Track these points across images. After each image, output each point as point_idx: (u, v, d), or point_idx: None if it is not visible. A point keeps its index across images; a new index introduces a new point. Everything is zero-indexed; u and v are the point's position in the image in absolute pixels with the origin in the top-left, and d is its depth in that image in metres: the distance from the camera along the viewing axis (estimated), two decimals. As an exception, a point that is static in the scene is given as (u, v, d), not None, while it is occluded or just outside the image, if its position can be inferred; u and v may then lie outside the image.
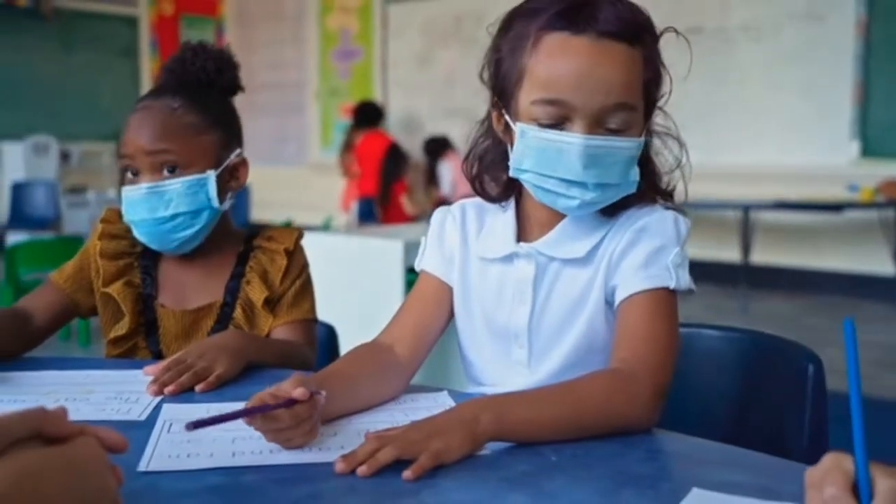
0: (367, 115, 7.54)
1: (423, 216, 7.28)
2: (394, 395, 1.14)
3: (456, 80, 7.79)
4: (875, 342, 4.85)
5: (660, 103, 1.17)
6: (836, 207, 5.14)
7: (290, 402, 0.91)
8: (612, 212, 1.15)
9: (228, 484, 0.84)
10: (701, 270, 5.95)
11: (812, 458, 1.10)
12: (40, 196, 7.39)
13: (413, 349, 1.20)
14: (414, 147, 7.68)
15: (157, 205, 1.36)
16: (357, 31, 9.13)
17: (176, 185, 1.37)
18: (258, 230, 1.52)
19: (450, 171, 7.21)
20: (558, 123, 1.08)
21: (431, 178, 7.37)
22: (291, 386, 0.94)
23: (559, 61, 1.07)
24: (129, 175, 1.40)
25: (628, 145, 1.09)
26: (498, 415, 0.93)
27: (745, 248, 5.21)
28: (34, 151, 8.07)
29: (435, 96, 8.17)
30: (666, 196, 1.19)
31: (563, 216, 1.16)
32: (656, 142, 1.18)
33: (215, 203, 1.40)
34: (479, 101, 1.24)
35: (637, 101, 1.09)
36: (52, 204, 7.29)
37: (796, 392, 1.21)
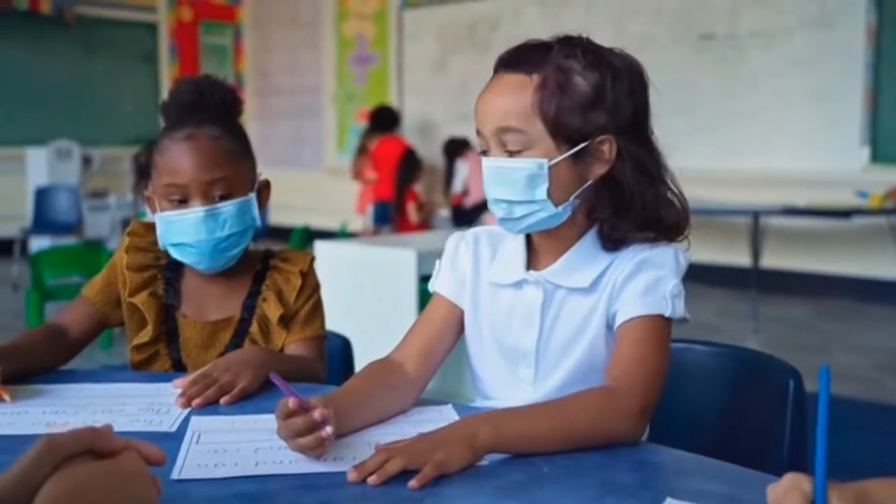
0: (383, 119, 7.64)
1: (437, 221, 7.38)
2: (403, 410, 1.23)
3: (470, 86, 7.87)
4: (882, 347, 4.90)
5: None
6: (845, 214, 5.19)
7: (306, 410, 1.02)
8: (613, 247, 1.24)
9: (253, 491, 0.94)
10: (712, 274, 6.05)
11: (791, 468, 1.19)
12: (63, 200, 7.53)
13: (422, 368, 1.29)
14: (428, 151, 7.78)
15: (214, 227, 1.46)
16: (373, 36, 9.24)
17: (229, 207, 1.47)
18: (274, 252, 1.62)
19: (464, 170, 7.30)
20: (483, 151, 1.24)
21: (450, 180, 7.47)
22: (318, 404, 1.04)
23: (479, 98, 1.24)
24: (174, 200, 1.47)
25: (521, 165, 1.19)
26: (495, 429, 1.03)
27: (755, 253, 5.27)
28: (57, 156, 8.21)
29: (449, 101, 8.26)
30: (661, 230, 1.25)
31: (567, 246, 1.26)
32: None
33: (258, 222, 1.53)
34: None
35: (527, 126, 1.18)
36: (75, 208, 7.44)
37: (778, 405, 1.29)
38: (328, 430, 1.01)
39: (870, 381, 4.26)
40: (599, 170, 1.21)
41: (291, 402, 1.03)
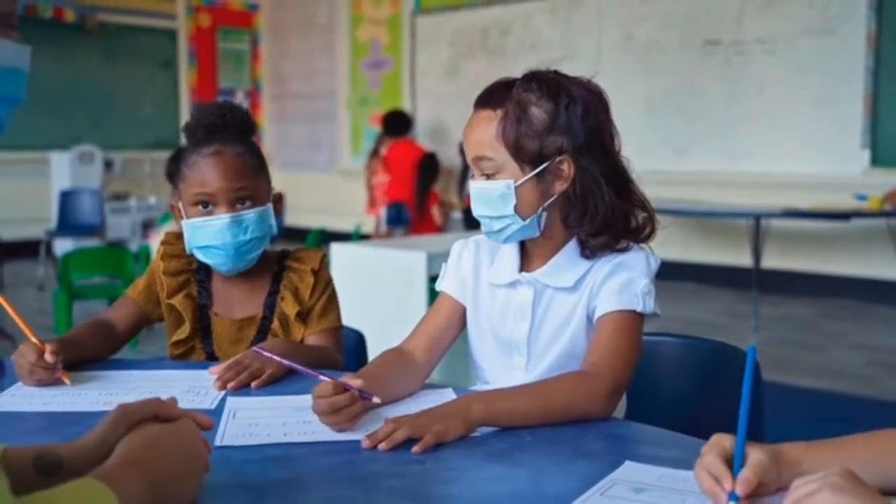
0: (396, 123, 7.79)
1: (451, 224, 7.56)
2: (412, 392, 1.42)
3: (482, 90, 8.04)
4: (878, 345, 5.05)
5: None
6: (844, 216, 5.34)
7: (347, 388, 1.22)
8: (591, 254, 1.42)
9: (281, 454, 1.14)
10: (718, 275, 6.25)
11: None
12: (86, 203, 7.76)
13: (429, 356, 1.49)
14: (441, 155, 7.95)
15: (238, 231, 1.66)
16: (386, 42, 9.44)
17: (251, 214, 1.67)
18: (289, 252, 1.81)
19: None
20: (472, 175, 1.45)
21: (464, 181, 7.63)
22: (354, 379, 1.26)
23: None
24: (201, 208, 1.67)
25: (494, 186, 1.40)
26: (486, 406, 1.22)
27: (756, 255, 5.43)
28: (80, 160, 8.45)
29: (461, 105, 8.41)
30: (629, 233, 1.44)
31: (554, 251, 1.45)
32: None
33: (275, 228, 1.72)
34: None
35: (494, 154, 1.39)
36: (98, 211, 7.67)
37: (739, 389, 1.47)
38: (375, 399, 1.24)
39: (864, 377, 4.42)
40: (561, 186, 1.40)
41: (334, 384, 1.22)
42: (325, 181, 9.92)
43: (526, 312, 1.45)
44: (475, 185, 1.43)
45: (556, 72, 1.42)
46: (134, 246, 7.52)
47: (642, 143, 7.30)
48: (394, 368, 1.42)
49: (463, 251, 1.56)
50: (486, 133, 1.39)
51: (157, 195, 8.86)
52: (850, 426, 3.68)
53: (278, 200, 1.78)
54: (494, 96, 1.40)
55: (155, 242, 5.03)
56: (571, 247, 1.44)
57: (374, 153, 7.92)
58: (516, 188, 1.39)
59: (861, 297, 6.20)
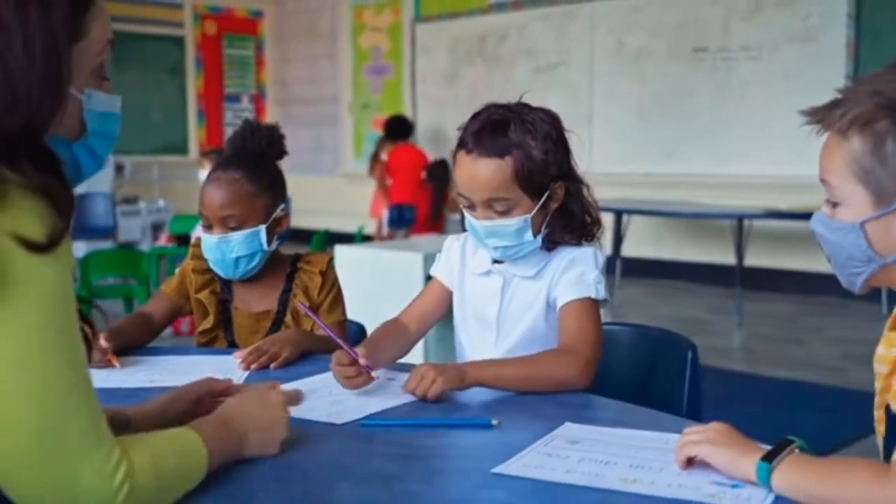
0: (397, 128, 7.99)
1: (450, 224, 7.82)
2: (404, 355, 1.74)
3: (480, 95, 8.27)
4: (853, 339, 5.29)
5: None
6: (822, 216, 5.60)
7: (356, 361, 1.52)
8: (551, 248, 1.71)
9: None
10: (704, 273, 6.59)
11: (688, 415, 1.66)
12: (99, 206, 8.04)
13: (419, 328, 1.79)
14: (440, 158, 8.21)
15: (225, 250, 1.93)
16: (388, 48, 9.73)
17: (237, 237, 1.93)
18: (300, 255, 2.08)
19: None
20: (470, 206, 1.67)
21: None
22: (363, 352, 1.54)
23: (460, 169, 1.67)
24: (204, 226, 1.96)
25: (510, 222, 1.63)
26: (478, 370, 1.53)
27: (739, 254, 5.71)
28: (91, 165, 8.71)
29: (460, 110, 8.63)
30: (585, 236, 1.73)
31: None
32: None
33: (265, 247, 1.96)
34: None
35: (510, 193, 1.62)
36: (110, 214, 7.95)
37: (680, 370, 1.75)
38: (374, 374, 1.54)
39: (837, 368, 4.70)
40: (555, 205, 1.68)
41: (347, 356, 1.53)
42: (328, 184, 10.21)
43: (496, 296, 1.73)
44: (489, 224, 1.63)
45: (521, 104, 1.70)
46: (145, 247, 7.79)
47: (634, 145, 7.59)
48: (392, 337, 1.73)
49: (453, 244, 1.84)
50: (500, 178, 1.61)
51: (166, 198, 9.14)
52: (817, 412, 4.04)
53: (278, 222, 2.00)
54: (495, 145, 1.62)
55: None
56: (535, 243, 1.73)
57: (375, 156, 8.17)
58: (531, 219, 1.65)
59: (841, 294, 6.38)
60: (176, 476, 1.00)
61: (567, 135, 1.69)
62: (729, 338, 5.60)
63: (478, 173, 1.63)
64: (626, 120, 7.63)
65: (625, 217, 6.87)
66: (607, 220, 6.52)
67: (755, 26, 6.91)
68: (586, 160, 8.12)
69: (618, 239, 6.89)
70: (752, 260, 6.19)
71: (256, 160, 1.99)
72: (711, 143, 7.15)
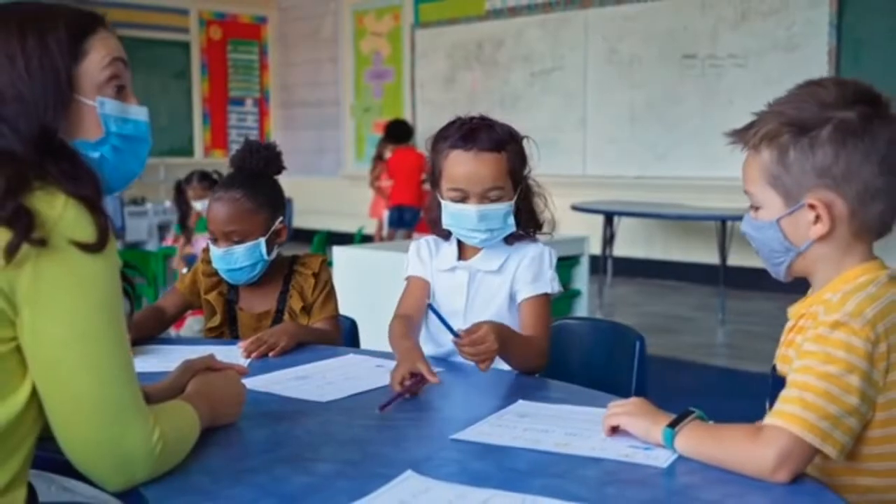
0: (398, 132, 8.23)
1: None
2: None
3: (478, 99, 8.56)
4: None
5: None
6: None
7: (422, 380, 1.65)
8: (510, 242, 1.95)
9: (288, 399, 1.66)
10: (693, 272, 6.87)
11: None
12: (107, 207, 8.25)
13: (419, 316, 1.99)
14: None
15: (229, 261, 2.16)
16: (388, 53, 9.96)
17: (240, 249, 2.15)
18: (296, 258, 2.29)
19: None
20: (461, 200, 1.89)
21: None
22: (425, 368, 1.64)
23: (457, 166, 1.88)
24: (211, 239, 2.18)
25: (501, 207, 1.89)
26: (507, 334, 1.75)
27: (723, 254, 5.94)
28: (100, 167, 8.93)
29: (458, 113, 8.84)
30: (538, 229, 1.98)
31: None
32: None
33: (266, 256, 2.18)
34: (498, 118, 1.97)
35: (504, 183, 1.89)
36: (119, 215, 8.19)
37: (628, 358, 1.99)
38: (433, 379, 1.65)
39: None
40: (522, 199, 1.93)
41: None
42: (330, 185, 10.45)
43: (462, 290, 1.97)
44: (484, 207, 1.86)
45: (483, 116, 1.94)
46: (152, 247, 8.03)
47: (627, 149, 7.83)
48: (410, 330, 1.91)
49: (421, 245, 2.06)
50: (497, 170, 1.87)
51: (172, 200, 9.35)
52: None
53: (278, 233, 2.21)
54: (493, 140, 1.86)
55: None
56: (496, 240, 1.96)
57: (378, 157, 8.39)
58: (513, 205, 1.91)
59: (823, 293, 6.67)
60: (186, 439, 1.26)
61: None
62: (712, 334, 5.83)
63: (480, 166, 1.86)
64: (618, 124, 7.87)
65: (616, 218, 7.10)
66: (599, 221, 6.77)
67: (742, 35, 7.15)
68: (580, 163, 8.35)
69: (609, 239, 7.12)
70: (735, 260, 6.42)
71: (256, 179, 2.20)
72: (700, 147, 7.37)
